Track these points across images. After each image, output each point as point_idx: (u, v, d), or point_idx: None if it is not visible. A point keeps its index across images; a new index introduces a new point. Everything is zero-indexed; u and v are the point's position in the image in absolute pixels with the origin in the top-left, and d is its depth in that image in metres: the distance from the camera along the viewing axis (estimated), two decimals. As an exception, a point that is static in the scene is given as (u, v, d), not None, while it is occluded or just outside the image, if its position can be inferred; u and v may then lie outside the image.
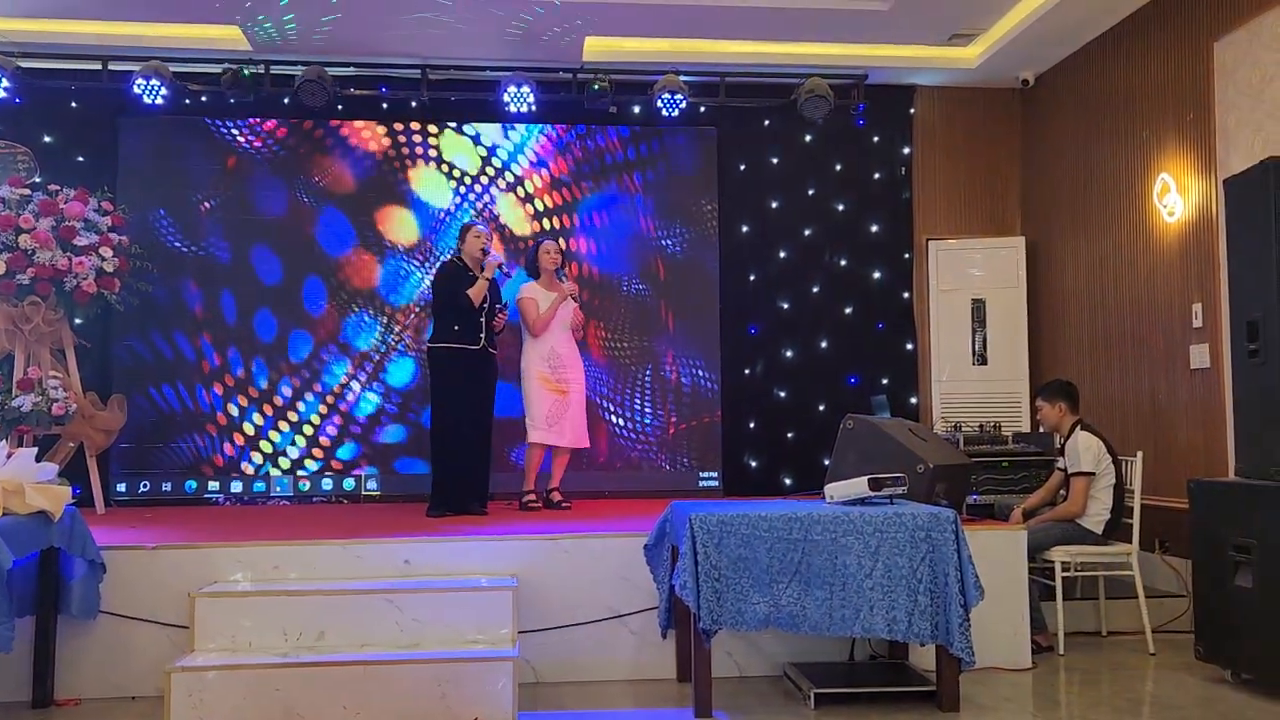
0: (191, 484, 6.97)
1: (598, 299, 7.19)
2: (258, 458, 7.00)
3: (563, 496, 6.14)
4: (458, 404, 5.76)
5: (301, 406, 7.05)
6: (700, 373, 7.33)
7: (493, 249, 6.09)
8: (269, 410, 7.02)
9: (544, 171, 7.32)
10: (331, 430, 7.06)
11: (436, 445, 5.84)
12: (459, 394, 5.76)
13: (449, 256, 6.21)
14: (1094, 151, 6.61)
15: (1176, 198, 5.77)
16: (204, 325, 7.03)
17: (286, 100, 6.77)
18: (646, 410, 7.28)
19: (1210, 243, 5.46)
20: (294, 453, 7.03)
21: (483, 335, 5.84)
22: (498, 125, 7.25)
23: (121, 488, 6.90)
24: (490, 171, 7.29)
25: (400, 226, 7.20)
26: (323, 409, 7.06)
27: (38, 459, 4.27)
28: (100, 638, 4.23)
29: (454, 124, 7.25)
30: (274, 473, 7.01)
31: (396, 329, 7.15)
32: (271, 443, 7.02)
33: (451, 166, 7.26)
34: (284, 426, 7.04)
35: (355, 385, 7.09)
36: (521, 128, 7.29)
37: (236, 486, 7.00)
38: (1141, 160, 6.10)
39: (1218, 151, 5.40)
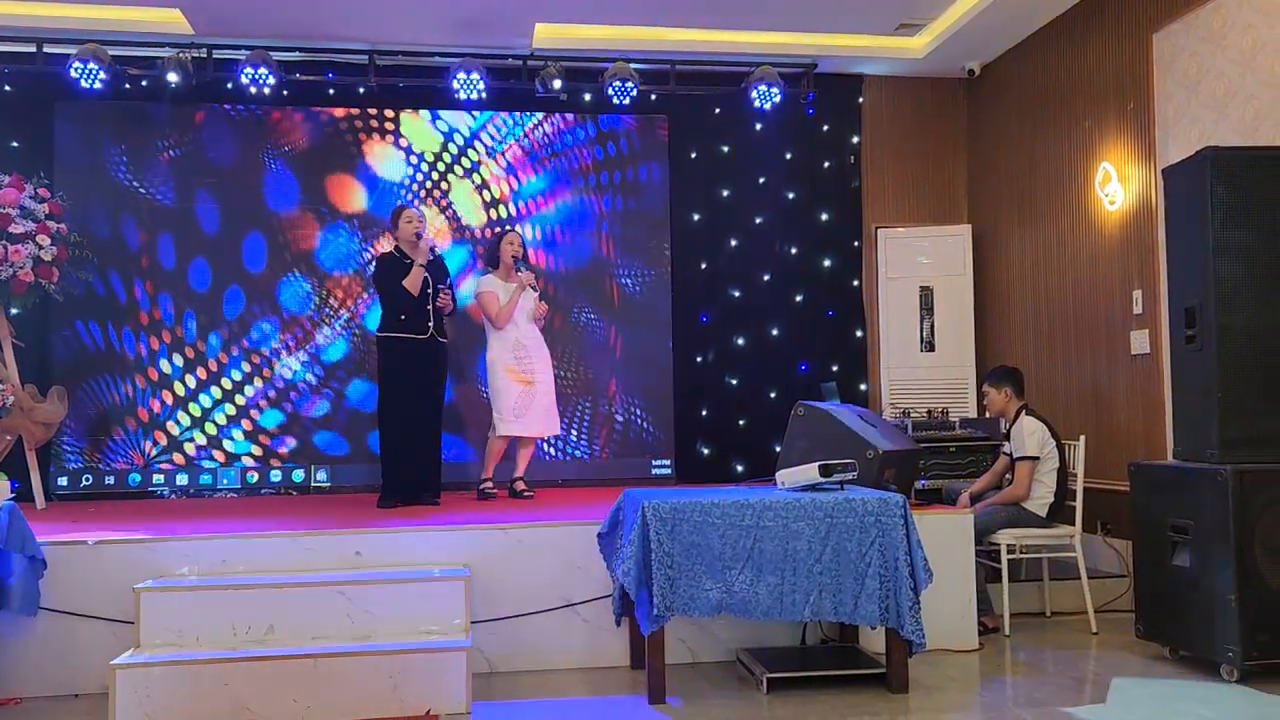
0: (135, 477, 6.85)
1: (550, 287, 7.17)
2: (182, 417, 6.92)
3: (526, 486, 6.12)
4: (406, 394, 5.70)
5: (238, 378, 7.00)
6: (651, 360, 7.34)
7: (426, 232, 5.96)
8: (202, 374, 6.96)
9: (497, 156, 7.28)
10: (262, 403, 6.99)
11: (385, 436, 5.77)
12: (407, 384, 5.70)
13: (388, 248, 6.12)
14: (1038, 141, 6.72)
15: (1118, 186, 5.88)
16: (136, 312, 6.91)
17: (230, 85, 6.64)
18: (601, 400, 7.28)
19: (1150, 231, 5.59)
20: (220, 418, 6.95)
21: (430, 324, 5.78)
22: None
23: (62, 481, 6.75)
24: (447, 157, 7.23)
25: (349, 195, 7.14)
26: (257, 382, 7.01)
27: (-27, 453, 4.17)
28: (42, 635, 4.13)
29: (389, 109, 7.17)
30: (199, 438, 6.92)
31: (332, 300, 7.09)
32: (189, 391, 6.94)
33: (412, 150, 7.21)
34: (215, 393, 6.97)
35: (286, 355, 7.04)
36: (477, 111, 7.24)
37: (182, 479, 6.88)
38: (1084, 149, 6.22)
39: (1157, 141, 5.52)
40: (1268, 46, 4.75)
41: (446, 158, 7.24)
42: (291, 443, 7.00)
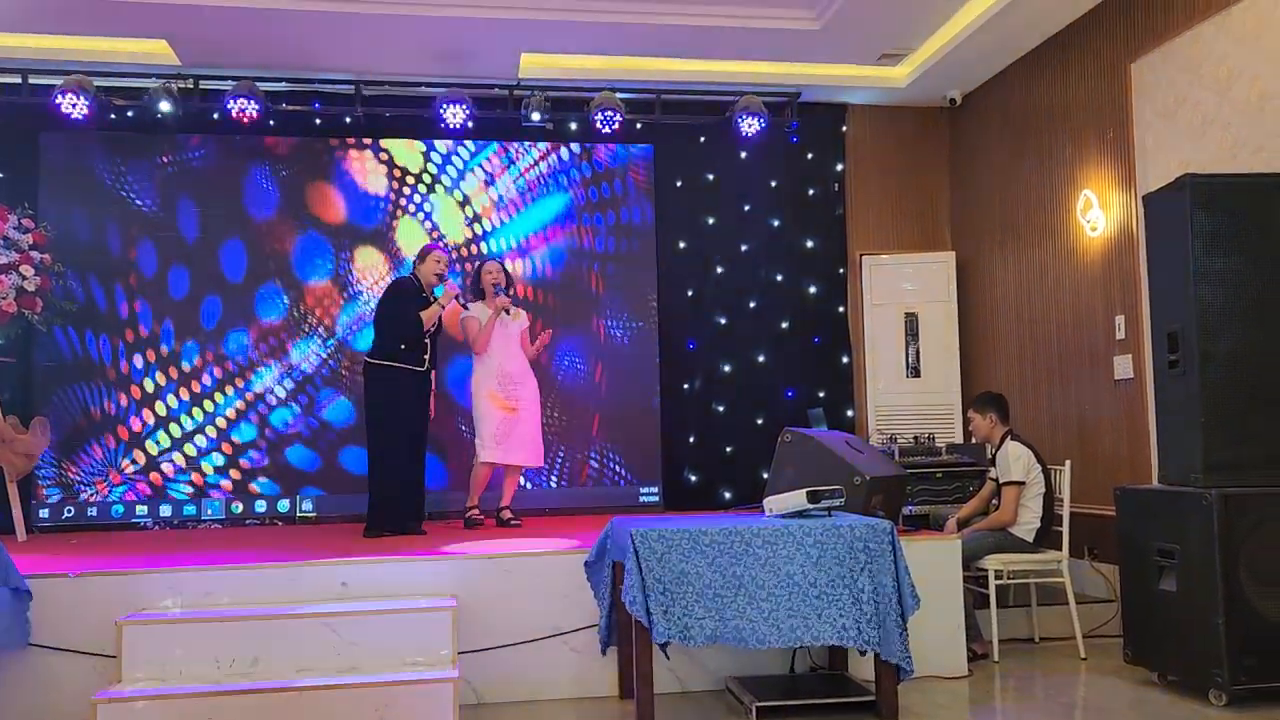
0: (118, 509, 6.78)
1: (535, 316, 7.17)
2: (153, 421, 6.89)
3: (513, 514, 6.09)
4: (397, 425, 5.68)
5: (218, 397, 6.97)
6: (639, 387, 7.34)
7: (449, 276, 6.04)
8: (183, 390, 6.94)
9: (482, 183, 7.30)
10: (231, 413, 6.96)
11: (375, 466, 5.74)
12: (398, 415, 5.69)
13: (400, 274, 6.14)
14: (1019, 168, 6.79)
15: (1099, 213, 5.95)
16: (116, 321, 6.89)
17: (215, 115, 6.65)
18: (587, 426, 7.27)
19: (1132, 257, 5.64)
20: (188, 423, 6.92)
21: (427, 358, 5.79)
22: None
23: (44, 514, 6.68)
24: (428, 176, 7.25)
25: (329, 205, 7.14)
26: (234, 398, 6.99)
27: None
28: (21, 670, 4.06)
29: (388, 140, 7.20)
30: (178, 458, 6.88)
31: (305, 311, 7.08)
32: (164, 402, 6.91)
33: (395, 165, 7.23)
34: (184, 395, 6.95)
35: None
36: (472, 143, 7.28)
37: (166, 510, 6.82)
38: (1065, 177, 6.28)
39: (1137, 168, 5.59)
40: (1243, 75, 4.83)
41: (427, 176, 7.25)
42: (263, 455, 6.94)
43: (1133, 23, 5.64)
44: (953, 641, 4.59)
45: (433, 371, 5.97)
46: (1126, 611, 4.54)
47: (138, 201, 6.95)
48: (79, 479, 6.76)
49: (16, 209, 6.00)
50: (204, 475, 6.89)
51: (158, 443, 6.87)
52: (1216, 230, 4.16)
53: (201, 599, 4.26)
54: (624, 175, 7.44)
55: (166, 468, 6.86)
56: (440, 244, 6.91)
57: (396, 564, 4.48)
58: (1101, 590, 5.63)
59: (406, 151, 7.23)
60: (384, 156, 7.21)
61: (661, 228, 7.42)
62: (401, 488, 5.69)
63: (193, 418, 6.92)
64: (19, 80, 6.40)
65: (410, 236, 7.16)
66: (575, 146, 7.38)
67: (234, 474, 6.92)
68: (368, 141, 7.18)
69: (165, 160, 6.99)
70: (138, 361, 6.88)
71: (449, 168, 7.28)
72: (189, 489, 6.87)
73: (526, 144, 7.33)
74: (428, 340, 5.80)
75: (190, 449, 6.90)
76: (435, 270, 5.89)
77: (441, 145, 7.26)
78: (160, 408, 6.89)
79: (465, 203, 7.27)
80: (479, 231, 7.27)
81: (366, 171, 7.18)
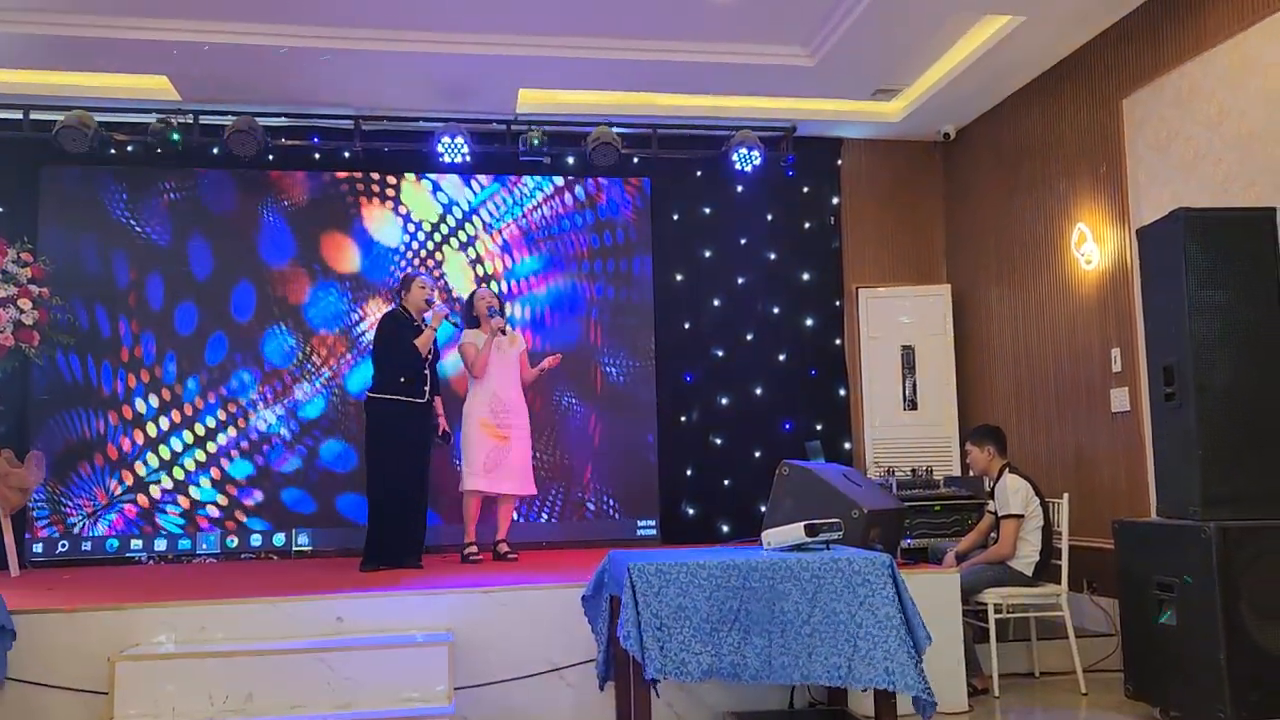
0: (113, 543, 6.74)
1: (533, 345, 7.18)
2: (152, 457, 6.87)
3: (510, 548, 6.06)
4: (399, 459, 5.67)
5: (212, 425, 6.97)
6: (636, 420, 7.33)
7: (437, 300, 6.04)
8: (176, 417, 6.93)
9: (494, 233, 7.33)
10: (234, 453, 6.94)
11: (374, 499, 5.72)
12: (399, 447, 5.68)
13: (392, 307, 6.15)
14: (1014, 202, 6.84)
15: (1093, 247, 5.98)
16: (117, 349, 6.90)
17: (215, 151, 6.69)
18: (582, 459, 7.25)
19: (1126, 290, 5.67)
20: (178, 446, 6.89)
21: (428, 388, 5.79)
22: (456, 177, 7.28)
23: (38, 549, 6.64)
24: (447, 224, 7.29)
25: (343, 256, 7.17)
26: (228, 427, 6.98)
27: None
28: (11, 707, 4.02)
29: (389, 174, 7.24)
30: (165, 481, 6.85)
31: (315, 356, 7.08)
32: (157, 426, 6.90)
33: (410, 217, 7.27)
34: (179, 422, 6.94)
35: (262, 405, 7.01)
36: (480, 179, 7.33)
37: (161, 545, 6.78)
38: (1059, 210, 6.33)
39: (1130, 202, 5.63)
40: (1233, 111, 4.88)
41: (444, 228, 7.29)
42: (259, 495, 6.91)
43: (1123, 60, 5.71)
44: (952, 676, 4.56)
45: (438, 399, 5.99)
46: (1127, 646, 4.51)
47: (144, 231, 6.98)
48: (70, 503, 6.72)
49: (15, 243, 6.01)
50: (196, 506, 6.85)
51: (147, 463, 6.84)
52: (1210, 264, 4.18)
53: (195, 634, 4.23)
54: (624, 220, 7.46)
55: (155, 491, 6.83)
56: (422, 270, 6.92)
57: (392, 598, 4.46)
58: (1102, 624, 5.60)
59: (420, 200, 7.25)
60: (403, 209, 7.24)
61: (658, 261, 7.45)
62: (402, 521, 5.66)
63: (186, 445, 6.90)
64: (20, 115, 6.43)
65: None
66: (580, 191, 7.41)
67: (227, 506, 6.88)
68: (389, 190, 7.21)
69: (169, 190, 7.02)
70: (130, 383, 6.87)
71: (455, 208, 7.31)
72: (180, 520, 6.82)
73: (531, 187, 7.36)
74: (426, 371, 5.80)
75: (180, 472, 6.87)
76: (422, 296, 5.89)
77: (454, 193, 7.29)
78: (152, 428, 6.87)
79: (475, 259, 7.30)
80: (481, 273, 7.29)
81: (380, 220, 7.21)
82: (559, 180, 7.42)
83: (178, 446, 6.89)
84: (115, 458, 6.81)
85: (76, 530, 6.72)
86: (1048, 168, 6.44)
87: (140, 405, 6.87)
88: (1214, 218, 4.27)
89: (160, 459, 6.86)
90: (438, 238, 7.28)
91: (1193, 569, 4.06)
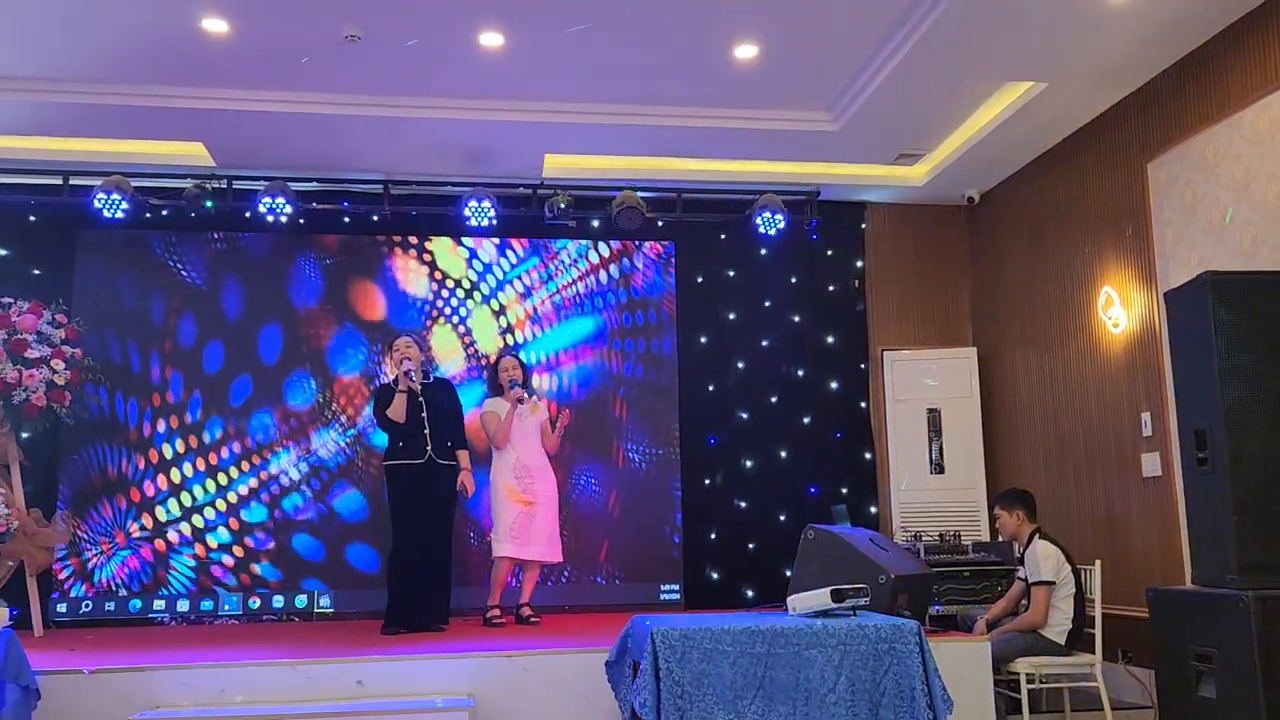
0: (135, 603, 6.74)
1: (556, 409, 7.18)
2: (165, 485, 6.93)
3: (532, 611, 6.01)
4: (409, 520, 5.71)
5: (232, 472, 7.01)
6: (660, 483, 7.29)
7: (412, 364, 5.86)
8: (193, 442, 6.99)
9: (512, 283, 7.41)
10: (244, 491, 6.97)
11: (392, 562, 5.75)
12: (409, 510, 5.72)
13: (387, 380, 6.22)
14: (1039, 265, 6.82)
15: (1120, 310, 5.94)
16: (146, 386, 6.97)
17: (248, 215, 6.81)
18: (604, 522, 7.20)
19: (1155, 353, 5.61)
20: (200, 494, 6.95)
21: (429, 448, 5.78)
22: (493, 241, 7.39)
23: (62, 608, 6.65)
24: (467, 282, 7.36)
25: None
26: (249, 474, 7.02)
27: (-26, 579, 4.12)
28: (31, 769, 4.00)
29: (415, 238, 7.35)
30: (182, 523, 6.87)
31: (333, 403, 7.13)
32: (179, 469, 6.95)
33: (437, 269, 7.36)
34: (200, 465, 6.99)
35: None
36: (517, 249, 7.42)
37: (183, 606, 6.77)
38: (1085, 273, 6.30)
39: (1157, 265, 5.60)
40: (1260, 174, 4.87)
41: (473, 290, 7.37)
42: (271, 542, 6.91)
43: (1148, 124, 5.72)
44: (984, 749, 4.44)
45: (462, 453, 5.95)
46: (1165, 718, 4.38)
47: (183, 271, 7.14)
48: (86, 537, 6.75)
49: (50, 305, 6.12)
50: (208, 548, 6.87)
51: (168, 510, 6.89)
52: (1240, 328, 4.14)
53: (215, 697, 4.20)
54: (644, 272, 7.52)
55: (173, 537, 6.86)
56: (407, 331, 6.75)
57: (413, 662, 4.41)
58: (1138, 695, 5.44)
59: (449, 256, 7.36)
60: (427, 256, 7.34)
61: (682, 323, 7.47)
62: (418, 584, 5.64)
63: (205, 489, 6.96)
64: (60, 181, 6.59)
65: (445, 342, 7.27)
66: (597, 244, 7.49)
67: (238, 551, 6.89)
68: (413, 240, 7.33)
69: (215, 241, 7.18)
70: (158, 423, 6.97)
71: (489, 277, 7.39)
72: (192, 561, 6.83)
73: (567, 263, 7.44)
74: (425, 433, 5.78)
75: (187, 498, 6.93)
76: (397, 359, 5.87)
77: (484, 255, 7.38)
78: (175, 473, 6.95)
79: (505, 328, 7.36)
80: (510, 342, 7.34)
81: (409, 271, 7.32)
82: (594, 257, 7.49)
83: (199, 493, 6.95)
84: (137, 499, 6.86)
85: (86, 554, 6.73)
86: (1073, 231, 6.44)
87: (162, 443, 6.95)
88: (1242, 281, 4.24)
89: (177, 498, 6.93)
90: (461, 294, 7.34)
91: (1231, 639, 3.95)
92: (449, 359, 7.25)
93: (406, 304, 7.28)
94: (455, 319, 7.32)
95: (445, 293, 7.34)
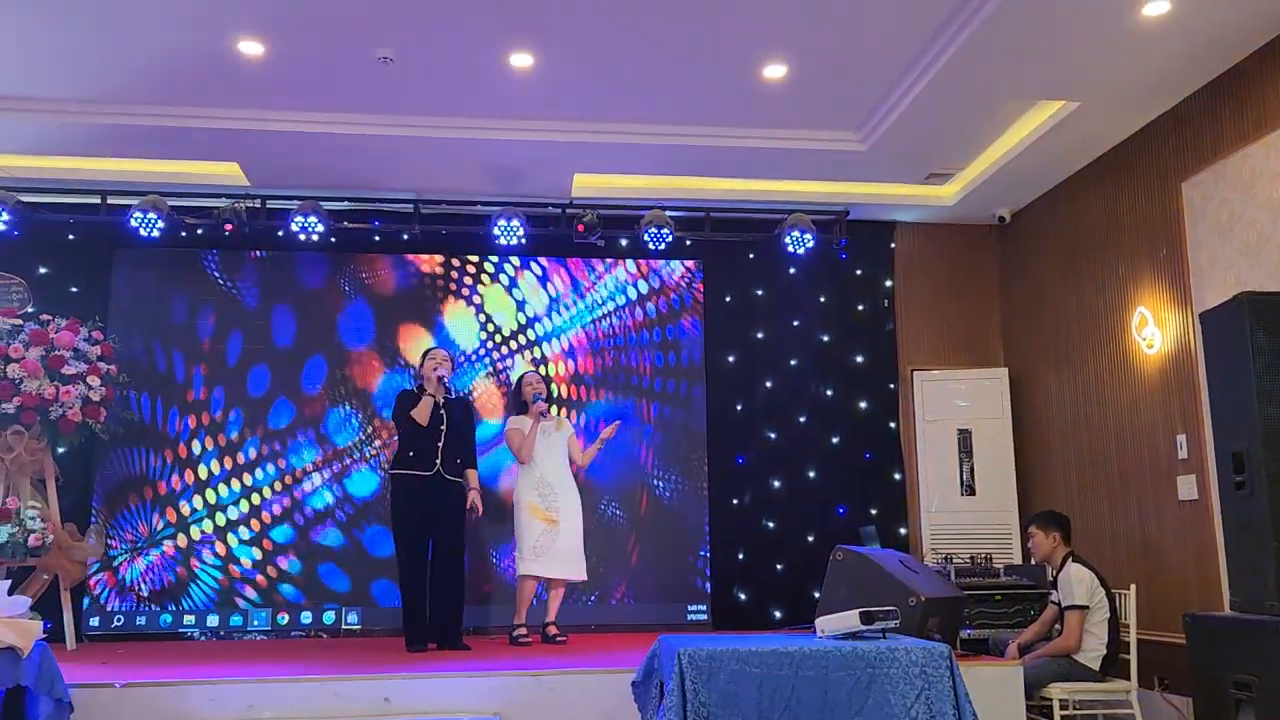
0: (166, 618, 6.80)
1: (586, 431, 7.19)
2: (198, 501, 6.98)
3: (559, 630, 5.99)
4: (411, 532, 5.74)
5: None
6: (688, 503, 7.27)
7: (446, 374, 5.96)
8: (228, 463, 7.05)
9: (561, 339, 7.42)
10: (277, 509, 7.02)
11: (400, 575, 5.81)
12: (411, 521, 5.75)
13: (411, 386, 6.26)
14: (1072, 285, 6.76)
15: (1155, 330, 5.87)
16: (185, 396, 7.02)
17: (280, 233, 6.89)
18: (632, 541, 7.18)
19: (1191, 374, 5.54)
20: (233, 513, 6.99)
21: (438, 461, 5.79)
22: (534, 277, 7.42)
23: (94, 622, 6.71)
24: (525, 336, 7.38)
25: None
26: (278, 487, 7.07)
27: (10, 591, 4.17)
28: (62, 782, 4.03)
29: (445, 254, 7.39)
30: (208, 526, 6.94)
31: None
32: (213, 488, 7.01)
33: (491, 322, 7.38)
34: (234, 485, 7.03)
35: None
36: (558, 284, 7.45)
37: (213, 620, 6.82)
38: (1119, 294, 6.24)
39: (1192, 286, 5.53)
40: (1297, 193, 4.81)
41: (519, 335, 7.39)
42: (298, 567, 6.94)
43: (1182, 144, 5.67)
44: (1016, 776, 4.37)
45: (471, 472, 5.97)
46: (1202, 747, 4.30)
47: (228, 292, 7.23)
48: (119, 551, 6.81)
49: (87, 322, 6.22)
50: (235, 558, 6.92)
51: (200, 526, 6.95)
52: (1277, 348, 4.08)
53: (244, 712, 4.22)
54: (673, 291, 7.52)
55: (206, 555, 6.91)
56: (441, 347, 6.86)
57: (440, 680, 4.41)
58: (1174, 724, 5.35)
59: (499, 300, 7.38)
60: (477, 299, 7.38)
61: (710, 342, 7.46)
62: (431, 598, 5.67)
63: (238, 505, 7.01)
64: (98, 200, 6.71)
65: (486, 391, 7.29)
66: (625, 263, 7.49)
67: (256, 554, 6.94)
68: (466, 285, 7.38)
69: (264, 259, 7.28)
70: (198, 443, 7.04)
71: (527, 306, 7.42)
72: (222, 576, 6.88)
73: (604, 295, 7.45)
74: (438, 445, 5.79)
75: (220, 519, 6.98)
76: (430, 367, 5.91)
77: (530, 308, 7.40)
78: (211, 496, 7.00)
79: (539, 358, 7.37)
80: (545, 373, 7.31)
81: (459, 315, 7.35)
82: (631, 293, 7.49)
83: (233, 514, 6.99)
84: (172, 516, 6.92)
85: (116, 564, 6.79)
86: (1106, 251, 6.37)
87: (198, 462, 7.02)
88: (1278, 302, 4.18)
89: (207, 504, 6.99)
90: (509, 347, 7.36)
91: (1271, 667, 3.87)
92: (489, 408, 7.22)
93: (455, 353, 7.21)
94: (498, 367, 7.32)
95: (490, 343, 7.34)
